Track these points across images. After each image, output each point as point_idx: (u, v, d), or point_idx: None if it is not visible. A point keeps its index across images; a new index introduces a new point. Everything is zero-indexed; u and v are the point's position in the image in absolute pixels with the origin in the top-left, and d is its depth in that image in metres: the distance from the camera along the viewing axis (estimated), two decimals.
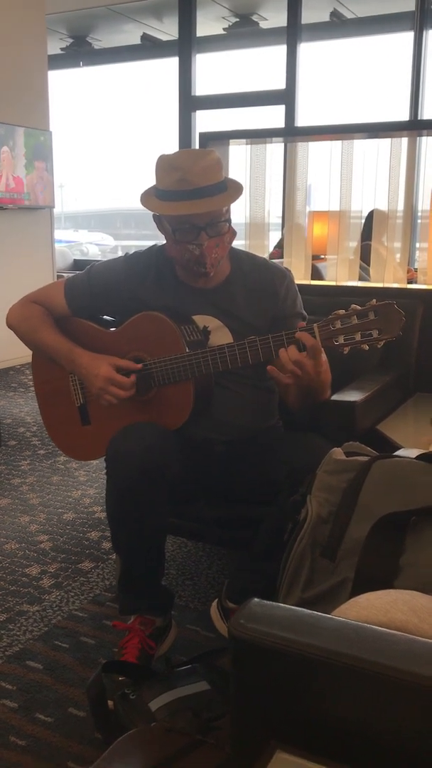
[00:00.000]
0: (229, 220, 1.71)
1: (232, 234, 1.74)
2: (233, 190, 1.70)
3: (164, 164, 1.67)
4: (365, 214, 3.26)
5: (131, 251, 1.90)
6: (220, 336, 1.79)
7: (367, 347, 1.55)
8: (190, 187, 1.62)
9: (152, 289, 1.81)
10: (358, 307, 1.55)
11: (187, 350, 1.70)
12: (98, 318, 1.91)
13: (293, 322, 1.77)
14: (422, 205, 2.89)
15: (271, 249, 3.44)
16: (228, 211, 1.71)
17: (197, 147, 3.25)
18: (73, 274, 1.92)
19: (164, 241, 1.81)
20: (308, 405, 1.77)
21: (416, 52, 5.86)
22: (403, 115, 5.93)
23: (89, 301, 1.86)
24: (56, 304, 1.88)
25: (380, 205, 2.92)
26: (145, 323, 1.78)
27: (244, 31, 7.19)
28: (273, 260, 2.07)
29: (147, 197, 1.72)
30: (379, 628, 0.78)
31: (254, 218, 3.07)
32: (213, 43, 7.36)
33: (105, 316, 1.92)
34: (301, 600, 1.24)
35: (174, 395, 1.74)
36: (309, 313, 1.88)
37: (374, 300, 1.55)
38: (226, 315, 1.80)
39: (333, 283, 2.87)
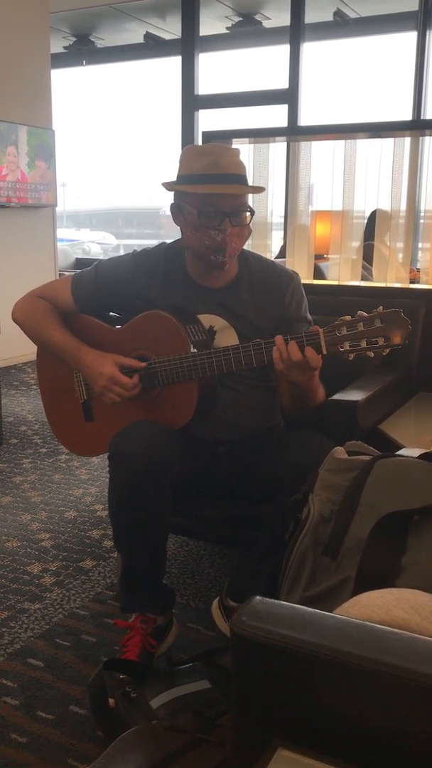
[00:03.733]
0: (252, 212, 1.72)
1: (249, 231, 1.75)
2: (256, 186, 1.75)
3: (192, 151, 1.71)
4: (368, 213, 3.26)
5: (134, 250, 1.90)
6: (226, 336, 1.79)
7: (372, 354, 1.55)
8: (222, 172, 1.65)
9: (159, 288, 1.81)
10: (365, 314, 1.54)
11: (193, 350, 1.70)
12: (104, 315, 1.91)
13: (298, 327, 1.77)
14: (425, 205, 2.89)
15: (274, 249, 3.43)
16: (250, 206, 1.73)
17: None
18: (80, 271, 1.91)
19: (170, 240, 1.81)
20: (300, 408, 1.78)
21: (419, 51, 5.86)
22: (406, 114, 5.93)
23: (95, 297, 1.86)
24: (62, 299, 1.88)
25: (383, 205, 2.92)
26: (151, 322, 1.78)
27: (247, 30, 7.18)
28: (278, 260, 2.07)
29: (171, 184, 1.74)
30: (381, 626, 0.78)
31: (257, 217, 3.05)
32: (216, 42, 7.35)
33: (111, 313, 1.92)
34: (302, 598, 1.24)
35: (178, 395, 1.74)
36: (312, 312, 1.88)
37: (381, 307, 1.54)
38: (233, 315, 1.80)
39: (335, 283, 2.87)
